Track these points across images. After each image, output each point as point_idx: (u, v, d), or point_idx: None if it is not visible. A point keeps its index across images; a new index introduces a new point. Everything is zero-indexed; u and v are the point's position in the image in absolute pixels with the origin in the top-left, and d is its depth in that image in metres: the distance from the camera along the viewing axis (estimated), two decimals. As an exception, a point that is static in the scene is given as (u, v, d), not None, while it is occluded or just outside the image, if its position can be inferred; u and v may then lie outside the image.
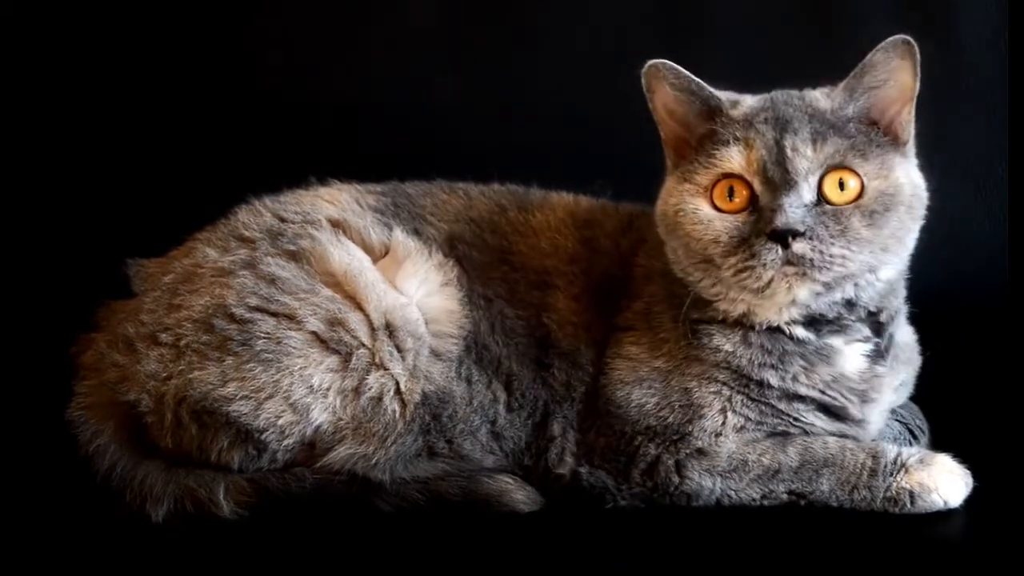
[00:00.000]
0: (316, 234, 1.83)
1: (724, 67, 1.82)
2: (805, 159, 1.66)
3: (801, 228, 1.63)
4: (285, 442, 1.76)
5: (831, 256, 1.65)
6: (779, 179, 1.66)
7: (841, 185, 1.67)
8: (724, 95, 1.77)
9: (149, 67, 2.61)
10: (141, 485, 1.77)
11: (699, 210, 1.71)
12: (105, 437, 1.81)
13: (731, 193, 1.70)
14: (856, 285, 1.72)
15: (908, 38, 1.70)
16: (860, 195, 1.67)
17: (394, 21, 2.64)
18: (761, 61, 2.49)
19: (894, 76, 1.71)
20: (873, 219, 1.67)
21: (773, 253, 1.64)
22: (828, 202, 1.67)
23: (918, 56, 1.70)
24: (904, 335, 1.89)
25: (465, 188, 2.01)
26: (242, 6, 2.64)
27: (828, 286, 1.69)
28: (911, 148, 1.77)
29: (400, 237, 1.87)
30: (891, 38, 1.70)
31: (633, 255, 1.89)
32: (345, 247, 1.82)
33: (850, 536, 1.68)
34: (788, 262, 1.64)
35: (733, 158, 1.69)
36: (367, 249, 1.85)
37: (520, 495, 1.79)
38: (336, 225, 1.87)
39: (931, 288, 1.91)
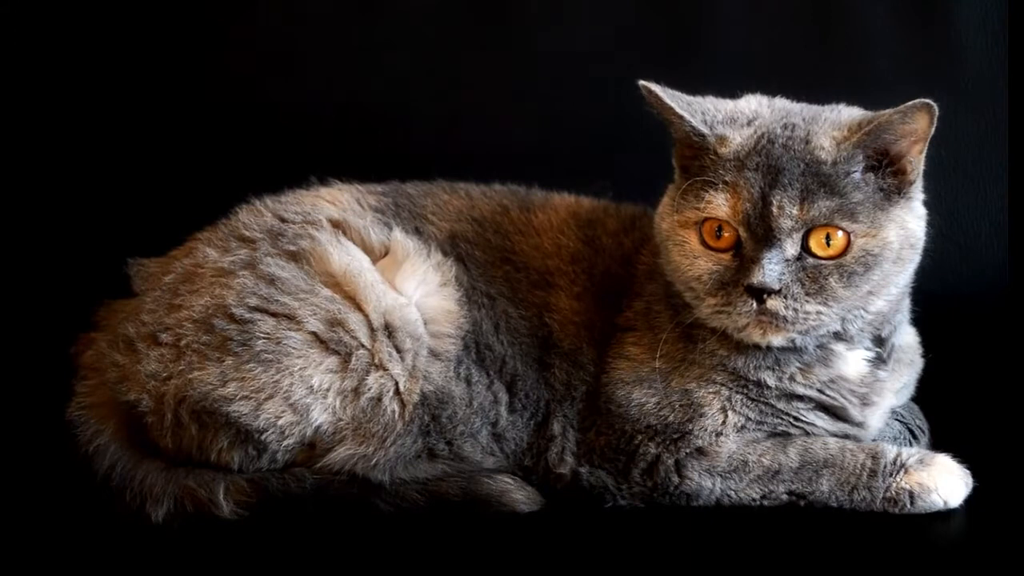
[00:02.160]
0: (316, 234, 1.83)
1: (724, 67, 1.81)
2: (789, 219, 1.64)
3: (776, 287, 1.64)
4: (285, 442, 1.76)
5: (805, 313, 1.66)
6: (761, 234, 1.65)
7: (828, 239, 1.65)
8: (715, 132, 1.70)
9: (149, 67, 2.61)
10: (141, 485, 1.77)
11: (687, 243, 1.72)
12: (105, 437, 1.81)
13: (719, 231, 1.69)
14: (844, 319, 1.72)
15: (929, 103, 1.63)
16: (845, 250, 1.65)
17: (394, 21, 2.63)
18: (761, 60, 2.49)
19: (909, 133, 1.67)
20: (851, 280, 1.66)
21: (748, 306, 1.66)
22: (811, 254, 1.66)
23: (937, 114, 1.64)
24: (906, 337, 1.88)
25: (467, 188, 2.01)
26: (242, 6, 2.64)
27: (803, 334, 1.70)
28: (917, 188, 1.73)
29: (399, 237, 1.87)
30: (912, 103, 1.63)
31: (636, 254, 1.89)
32: (345, 248, 1.82)
33: (850, 536, 1.68)
34: (762, 313, 1.65)
35: (719, 205, 1.67)
36: (367, 249, 1.85)
37: (520, 495, 1.79)
38: (336, 225, 1.87)
39: (931, 289, 1.91)
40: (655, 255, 1.84)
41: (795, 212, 1.64)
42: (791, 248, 1.65)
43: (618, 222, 1.94)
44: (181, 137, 2.60)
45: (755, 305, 1.65)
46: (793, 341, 1.72)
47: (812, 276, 1.65)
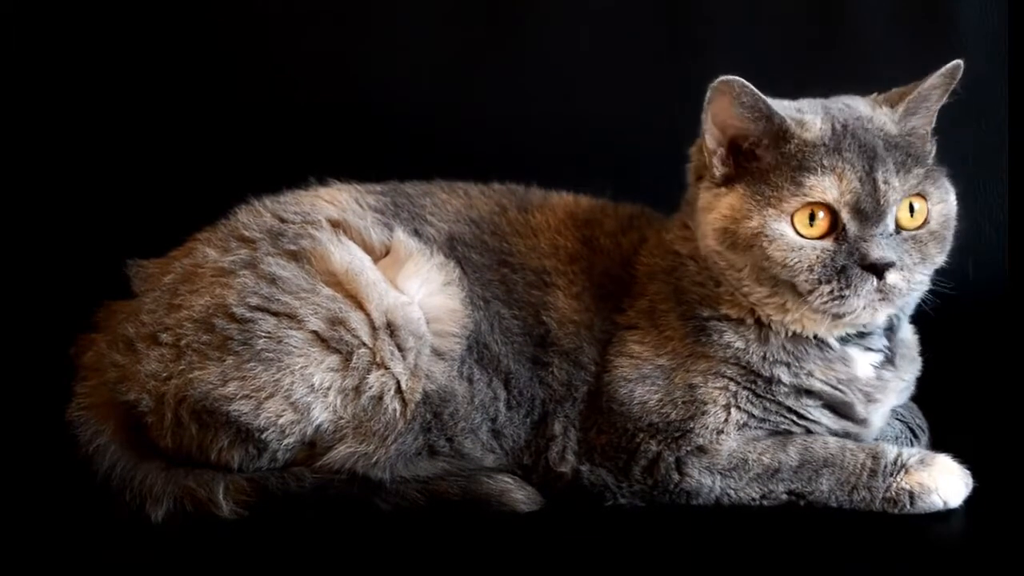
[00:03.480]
0: (316, 234, 1.83)
1: (724, 67, 1.81)
2: (894, 191, 1.67)
3: (895, 259, 1.66)
4: (285, 441, 1.76)
5: (916, 283, 1.70)
6: (870, 211, 1.66)
7: (911, 209, 1.69)
8: (794, 117, 1.72)
9: (149, 67, 2.61)
10: (141, 485, 1.77)
11: (785, 235, 1.68)
12: (105, 437, 1.82)
13: (811, 218, 1.68)
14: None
15: (959, 62, 1.72)
16: (927, 219, 1.71)
17: (394, 21, 2.63)
18: (761, 61, 2.49)
19: (940, 96, 1.75)
20: (943, 244, 1.73)
21: (869, 284, 1.66)
22: (901, 227, 1.69)
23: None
24: (906, 333, 1.89)
25: (465, 188, 2.01)
26: (242, 6, 2.64)
27: (902, 308, 1.75)
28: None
29: (402, 237, 1.87)
30: (952, 64, 1.72)
31: (634, 254, 1.89)
32: (346, 247, 1.82)
33: (850, 536, 1.68)
34: (879, 290, 1.67)
35: (827, 188, 1.66)
36: (367, 249, 1.85)
37: (520, 495, 1.79)
38: (336, 225, 1.87)
39: (931, 289, 1.91)
40: (656, 255, 1.85)
41: (897, 184, 1.67)
42: (891, 223, 1.68)
43: (616, 222, 1.94)
44: (181, 137, 2.60)
45: (875, 282, 1.66)
46: (891, 317, 1.77)
47: (915, 246, 1.69)
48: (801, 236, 1.68)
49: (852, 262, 1.66)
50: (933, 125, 1.78)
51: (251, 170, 2.22)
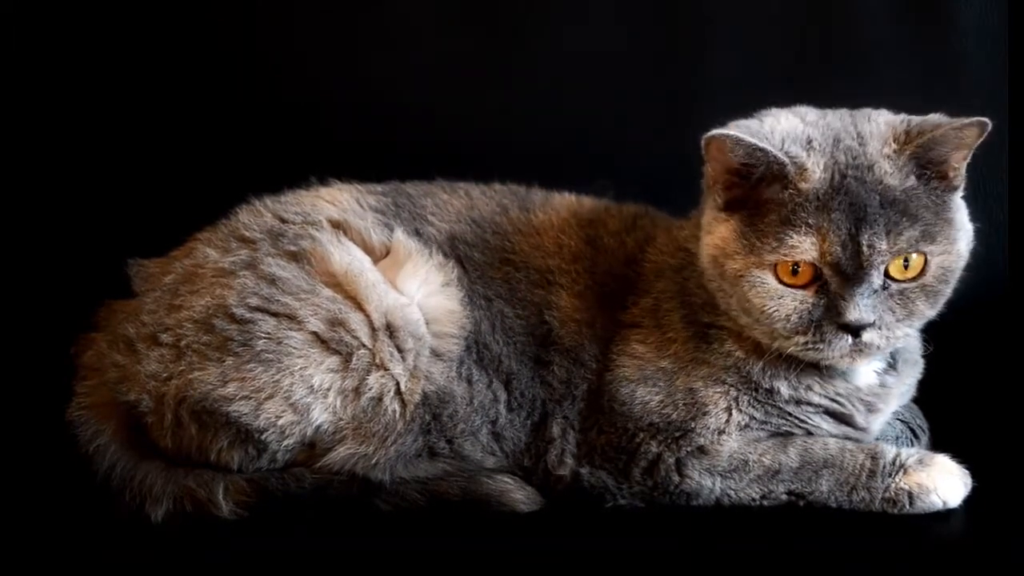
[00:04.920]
0: (317, 235, 1.83)
1: (725, 70, 1.81)
2: (879, 254, 1.62)
3: (872, 320, 1.64)
4: (285, 442, 1.76)
5: (895, 338, 1.68)
6: (851, 272, 1.63)
7: (906, 262, 1.65)
8: (791, 158, 1.64)
9: (149, 67, 2.61)
10: (141, 485, 1.77)
11: (765, 283, 1.67)
12: (105, 437, 1.82)
13: (795, 268, 1.65)
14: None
15: (985, 121, 1.63)
16: (923, 270, 1.66)
17: (394, 21, 2.63)
18: (761, 60, 2.49)
19: (960, 146, 1.66)
20: (935, 298, 1.68)
21: (843, 341, 1.65)
22: (891, 279, 1.65)
23: (989, 129, 1.64)
24: (911, 338, 1.88)
25: (466, 188, 2.00)
26: (242, 6, 2.64)
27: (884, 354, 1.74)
28: (961, 191, 1.71)
29: (401, 237, 1.87)
30: (968, 120, 1.63)
31: (639, 253, 1.88)
32: (346, 248, 1.82)
33: (850, 536, 1.68)
34: (854, 347, 1.66)
35: (806, 250, 1.62)
36: (368, 250, 1.85)
37: (520, 495, 1.79)
38: (337, 226, 1.87)
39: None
40: (665, 253, 1.84)
41: (884, 247, 1.62)
42: (877, 280, 1.64)
43: (620, 222, 1.94)
44: (181, 137, 2.60)
45: (850, 340, 1.65)
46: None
47: (900, 302, 1.66)
48: (783, 284, 1.66)
49: (829, 319, 1.65)
50: (961, 179, 1.68)
51: (251, 170, 2.22)
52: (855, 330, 1.64)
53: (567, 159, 2.51)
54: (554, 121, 2.58)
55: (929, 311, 1.69)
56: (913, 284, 1.66)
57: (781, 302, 1.66)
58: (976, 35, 2.49)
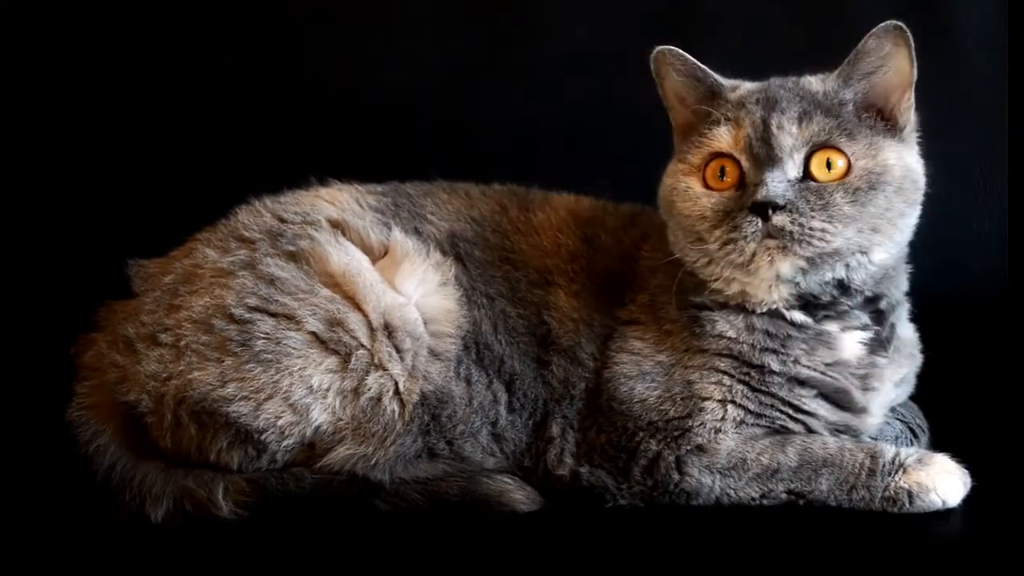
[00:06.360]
0: (315, 235, 1.83)
1: (724, 65, 1.81)
2: (790, 136, 1.69)
3: (781, 201, 1.66)
4: (285, 443, 1.76)
5: (811, 229, 1.67)
6: (764, 155, 1.69)
7: (828, 165, 1.69)
8: (728, 82, 1.80)
9: (149, 67, 2.61)
10: (140, 485, 1.77)
11: (691, 188, 1.75)
12: (105, 437, 1.82)
13: (722, 173, 1.73)
14: (847, 266, 1.73)
15: (900, 24, 1.70)
16: (846, 174, 1.70)
17: (394, 21, 2.64)
18: (761, 60, 2.48)
19: (889, 62, 1.73)
20: (856, 196, 1.69)
21: (753, 225, 1.67)
22: (814, 179, 1.69)
23: (912, 41, 1.72)
24: (907, 331, 1.89)
25: (466, 188, 2.01)
26: (242, 6, 2.64)
27: (812, 262, 1.70)
28: (910, 134, 1.78)
29: (399, 237, 1.87)
30: (883, 24, 1.71)
31: (637, 250, 1.90)
32: (344, 248, 1.83)
33: (850, 536, 1.68)
34: (769, 235, 1.67)
35: (722, 137, 1.73)
36: (366, 249, 1.86)
37: (519, 495, 1.79)
38: (336, 226, 1.87)
39: (931, 287, 1.91)
40: (659, 250, 1.85)
41: (794, 130, 1.69)
42: (793, 170, 1.69)
43: (617, 220, 1.95)
44: (181, 137, 2.61)
45: (760, 224, 1.66)
46: (802, 272, 1.71)
47: (817, 194, 1.68)
48: (710, 189, 1.74)
49: (741, 205, 1.69)
50: (907, 102, 1.75)
51: (251, 170, 2.22)
52: (763, 210, 1.66)
53: (567, 159, 2.51)
54: (554, 121, 2.58)
55: (849, 209, 1.68)
56: (834, 183, 1.69)
57: (699, 201, 1.73)
58: (976, 35, 2.50)
